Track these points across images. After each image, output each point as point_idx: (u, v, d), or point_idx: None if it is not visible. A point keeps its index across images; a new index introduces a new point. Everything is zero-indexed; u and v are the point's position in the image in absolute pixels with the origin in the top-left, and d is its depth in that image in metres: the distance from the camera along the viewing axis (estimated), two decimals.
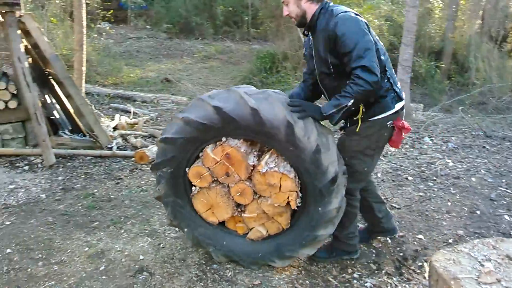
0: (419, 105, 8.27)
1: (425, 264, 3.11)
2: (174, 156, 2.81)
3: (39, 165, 4.95)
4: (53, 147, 5.09)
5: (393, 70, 2.85)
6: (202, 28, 16.64)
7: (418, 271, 3.06)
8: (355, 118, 2.75)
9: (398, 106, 2.77)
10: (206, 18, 16.90)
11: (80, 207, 3.99)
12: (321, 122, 2.77)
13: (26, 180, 4.55)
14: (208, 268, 3.05)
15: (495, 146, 5.84)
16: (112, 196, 4.24)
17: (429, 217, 3.85)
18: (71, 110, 5.77)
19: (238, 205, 2.97)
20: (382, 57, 2.69)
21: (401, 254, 3.27)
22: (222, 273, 3.00)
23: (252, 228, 2.98)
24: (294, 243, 2.92)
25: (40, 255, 3.17)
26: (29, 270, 2.99)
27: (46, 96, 5.80)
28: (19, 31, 5.03)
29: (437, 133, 6.34)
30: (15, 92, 5.18)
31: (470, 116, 7.37)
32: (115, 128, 6.35)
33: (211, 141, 2.77)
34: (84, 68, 7.16)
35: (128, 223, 3.69)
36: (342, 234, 3.07)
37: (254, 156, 2.85)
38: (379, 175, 4.77)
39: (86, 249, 3.26)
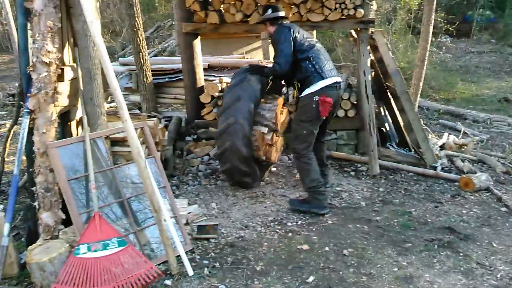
0: None
1: None
2: None
3: (364, 173, 5.25)
4: (379, 158, 5.28)
5: (324, 60, 4.08)
6: None
7: None
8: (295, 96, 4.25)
9: (320, 83, 3.95)
10: None
11: (395, 223, 3.99)
12: None
13: (350, 185, 4.89)
14: None
15: None
16: (429, 220, 4.07)
17: None
18: (402, 124, 5.87)
19: None
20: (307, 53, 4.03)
21: None
22: None
23: None
24: None
25: (352, 262, 3.32)
26: (340, 273, 3.18)
27: (381, 108, 6.09)
28: (368, 47, 5.41)
29: None
30: (355, 102, 5.63)
31: None
32: (441, 147, 6.12)
33: None
34: (421, 84, 7.16)
35: (442, 253, 3.47)
36: (305, 188, 4.14)
37: None
38: None
39: (395, 269, 3.23)
